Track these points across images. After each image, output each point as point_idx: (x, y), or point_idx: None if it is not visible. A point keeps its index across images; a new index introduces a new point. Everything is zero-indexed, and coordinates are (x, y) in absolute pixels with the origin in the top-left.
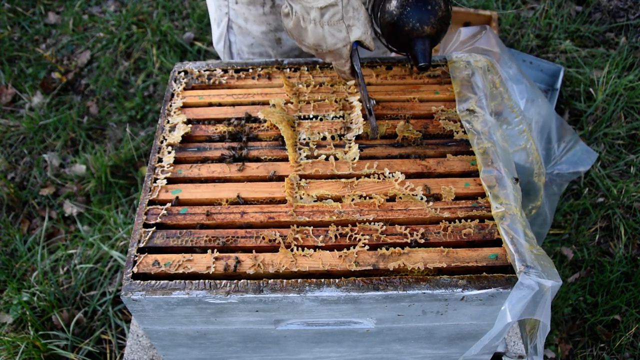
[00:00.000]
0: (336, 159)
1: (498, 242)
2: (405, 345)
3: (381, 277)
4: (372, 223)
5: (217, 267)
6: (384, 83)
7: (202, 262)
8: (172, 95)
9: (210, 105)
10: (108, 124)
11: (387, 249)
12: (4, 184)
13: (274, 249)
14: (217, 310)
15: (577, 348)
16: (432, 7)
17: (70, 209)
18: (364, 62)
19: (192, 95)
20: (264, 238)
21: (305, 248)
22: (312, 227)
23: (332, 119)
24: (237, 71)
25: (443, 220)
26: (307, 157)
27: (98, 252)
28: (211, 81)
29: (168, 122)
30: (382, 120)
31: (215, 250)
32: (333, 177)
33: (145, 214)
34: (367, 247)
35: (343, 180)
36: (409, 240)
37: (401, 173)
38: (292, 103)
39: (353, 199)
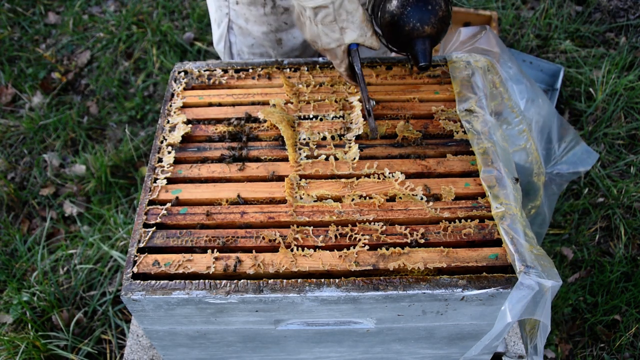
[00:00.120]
0: (336, 159)
1: (498, 242)
2: (405, 345)
3: (381, 277)
4: (372, 223)
5: (217, 267)
6: (384, 83)
7: (202, 262)
8: (172, 95)
9: (210, 105)
10: (108, 124)
11: (387, 249)
12: (4, 184)
13: (274, 249)
14: (217, 310)
15: (577, 348)
16: (432, 7)
17: (70, 209)
18: (364, 62)
19: (192, 95)
20: (264, 238)
21: (305, 248)
22: (312, 227)
23: (332, 119)
24: (237, 71)
25: (443, 220)
26: (307, 157)
27: (98, 252)
28: (211, 81)
29: (168, 122)
30: (382, 120)
31: (215, 250)
32: (333, 177)
33: (145, 214)
34: (367, 247)
35: (343, 180)
36: (409, 240)
37: (401, 173)
38: (292, 103)
39: (353, 199)
